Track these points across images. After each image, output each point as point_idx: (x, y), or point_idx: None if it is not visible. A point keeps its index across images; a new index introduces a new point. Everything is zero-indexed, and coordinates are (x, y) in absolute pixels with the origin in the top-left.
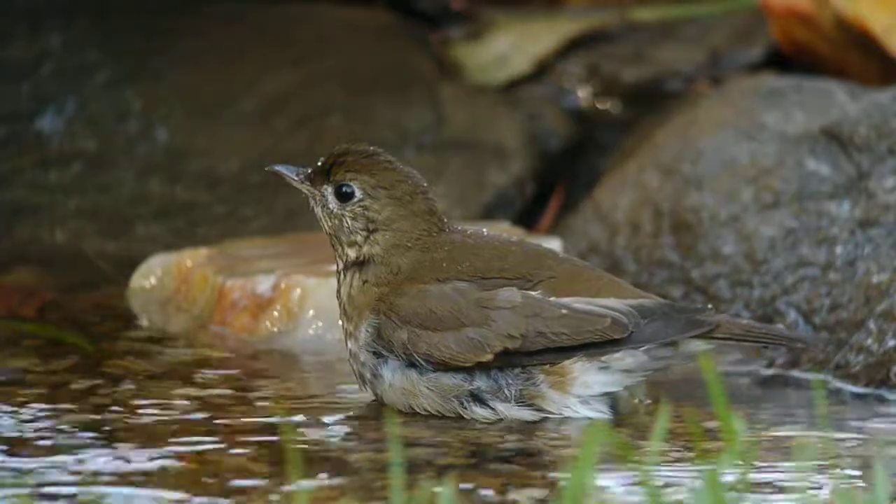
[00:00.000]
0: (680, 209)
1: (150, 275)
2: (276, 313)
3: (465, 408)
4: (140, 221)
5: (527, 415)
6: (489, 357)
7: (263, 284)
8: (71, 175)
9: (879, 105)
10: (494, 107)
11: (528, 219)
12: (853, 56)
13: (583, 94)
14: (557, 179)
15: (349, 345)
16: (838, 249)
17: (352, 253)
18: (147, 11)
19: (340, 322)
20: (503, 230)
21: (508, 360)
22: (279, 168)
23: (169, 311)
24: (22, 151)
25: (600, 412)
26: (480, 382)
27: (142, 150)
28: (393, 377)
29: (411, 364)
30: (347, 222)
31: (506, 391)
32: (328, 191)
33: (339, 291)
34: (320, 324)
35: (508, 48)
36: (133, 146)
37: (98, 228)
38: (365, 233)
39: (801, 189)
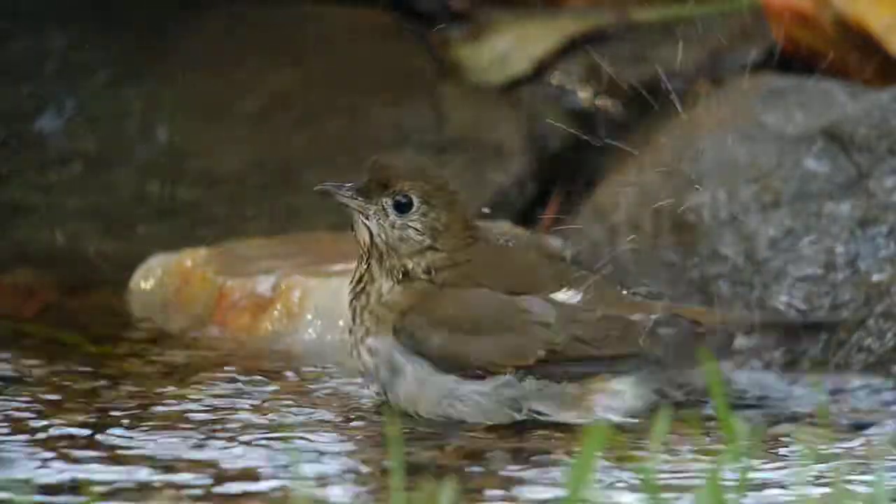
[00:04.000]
0: (680, 209)
1: (150, 275)
2: (276, 313)
3: (515, 413)
4: (140, 221)
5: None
6: (530, 361)
7: (263, 284)
8: (71, 175)
9: (879, 105)
10: (494, 107)
11: (528, 219)
12: (853, 56)
13: (583, 94)
14: (557, 179)
15: (369, 341)
16: (838, 249)
17: (410, 263)
18: (147, 12)
19: (355, 320)
20: (503, 230)
21: (547, 369)
22: (328, 186)
23: (169, 311)
24: (22, 151)
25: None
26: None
27: (142, 150)
28: (423, 377)
29: (445, 368)
30: (412, 233)
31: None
32: (388, 203)
33: (360, 291)
34: (320, 324)
35: (508, 48)
36: (133, 146)
37: (98, 228)
38: (430, 241)
39: (801, 189)
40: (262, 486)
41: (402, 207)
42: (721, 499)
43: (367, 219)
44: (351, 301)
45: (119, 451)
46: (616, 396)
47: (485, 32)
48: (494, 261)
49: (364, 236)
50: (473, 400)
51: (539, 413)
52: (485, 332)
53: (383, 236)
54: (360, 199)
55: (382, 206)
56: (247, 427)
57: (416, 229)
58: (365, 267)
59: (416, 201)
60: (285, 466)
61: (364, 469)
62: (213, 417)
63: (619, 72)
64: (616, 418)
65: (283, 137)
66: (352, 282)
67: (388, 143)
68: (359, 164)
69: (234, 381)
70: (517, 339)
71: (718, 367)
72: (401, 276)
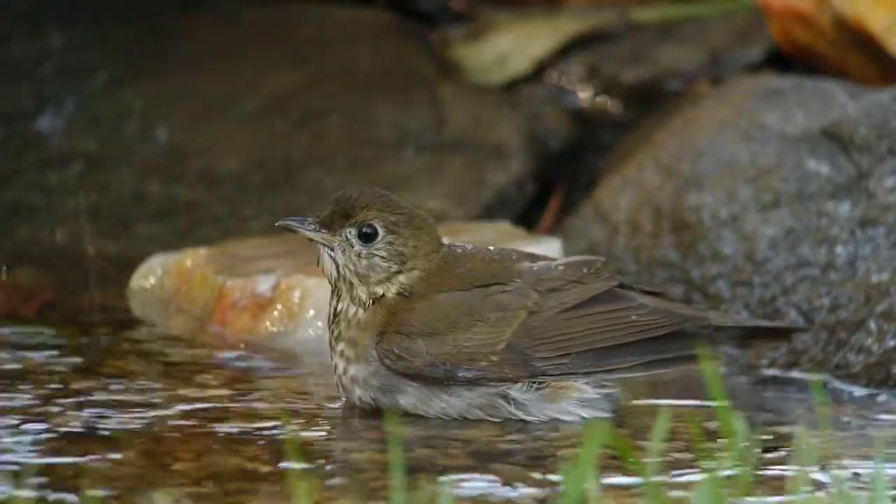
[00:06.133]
0: (680, 209)
1: (150, 275)
2: (276, 313)
3: (499, 409)
4: (140, 221)
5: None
6: (515, 326)
7: (263, 284)
8: (71, 175)
9: (879, 105)
10: (494, 107)
11: (528, 219)
12: (853, 56)
13: (583, 94)
14: (557, 179)
15: (352, 371)
16: (838, 249)
17: (381, 290)
18: (147, 11)
19: (332, 356)
20: (503, 230)
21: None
22: (289, 221)
23: (169, 311)
24: (22, 151)
25: (601, 411)
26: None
27: (142, 150)
28: (417, 392)
29: (434, 378)
30: (378, 261)
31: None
32: (352, 233)
33: (337, 317)
34: (320, 324)
35: (508, 48)
36: (133, 146)
37: (98, 228)
38: (398, 266)
39: (801, 189)
40: (262, 485)
41: (367, 237)
42: (721, 499)
43: (332, 251)
44: (329, 340)
45: (119, 451)
46: (584, 395)
47: (485, 32)
48: (457, 264)
49: (331, 269)
50: (464, 396)
51: (523, 404)
52: (463, 324)
53: (351, 267)
54: (323, 231)
55: (346, 237)
56: (246, 427)
57: (383, 257)
58: (335, 300)
59: (380, 230)
60: (285, 466)
61: (364, 468)
62: (213, 417)
63: (619, 72)
64: (588, 415)
65: (283, 137)
66: (329, 321)
67: (388, 143)
68: (359, 164)
69: (233, 380)
70: (498, 313)
71: (717, 367)
72: (372, 302)
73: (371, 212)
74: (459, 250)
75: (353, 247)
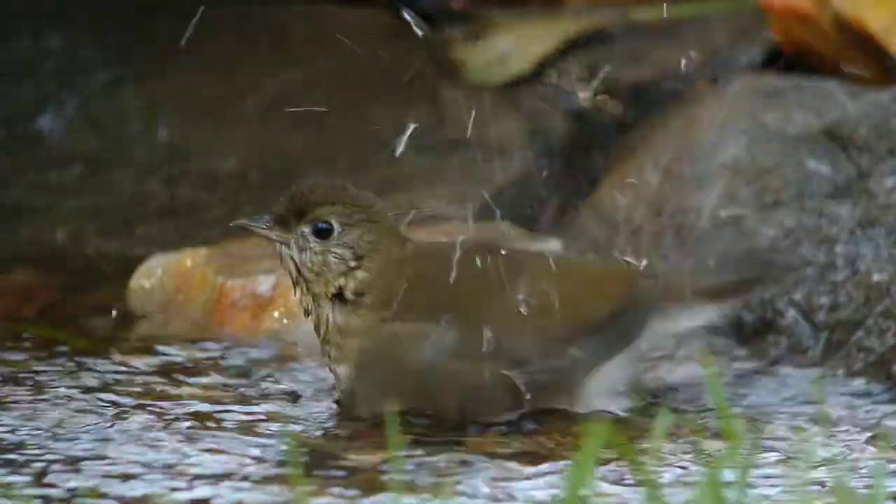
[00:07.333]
0: (680, 209)
1: (150, 275)
2: (276, 313)
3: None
4: (140, 221)
5: None
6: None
7: (263, 284)
8: (71, 175)
9: (879, 105)
10: (494, 107)
11: (528, 219)
12: (853, 56)
13: (583, 94)
14: (557, 179)
15: (339, 371)
16: (838, 249)
17: (338, 282)
18: (147, 11)
19: (327, 354)
20: (503, 230)
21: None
22: (245, 222)
23: (169, 311)
24: (22, 151)
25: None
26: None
27: (142, 150)
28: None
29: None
30: (333, 258)
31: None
32: (307, 230)
33: (317, 325)
34: None
35: (508, 48)
36: (133, 146)
37: (98, 228)
38: (354, 262)
39: (801, 189)
40: (262, 486)
41: (322, 233)
42: (721, 498)
43: (288, 248)
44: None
45: (118, 452)
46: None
47: (485, 32)
48: (428, 276)
49: (290, 267)
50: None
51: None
52: (443, 388)
53: (308, 264)
54: (278, 229)
55: (302, 233)
56: (246, 426)
57: (337, 254)
58: (299, 295)
59: (336, 226)
60: (284, 466)
61: (363, 469)
62: (213, 417)
63: (619, 72)
64: (612, 406)
65: (283, 137)
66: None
67: (388, 143)
68: (359, 164)
69: (233, 381)
70: (479, 392)
71: (717, 366)
72: (331, 296)
73: (326, 207)
74: (430, 249)
75: (309, 243)
